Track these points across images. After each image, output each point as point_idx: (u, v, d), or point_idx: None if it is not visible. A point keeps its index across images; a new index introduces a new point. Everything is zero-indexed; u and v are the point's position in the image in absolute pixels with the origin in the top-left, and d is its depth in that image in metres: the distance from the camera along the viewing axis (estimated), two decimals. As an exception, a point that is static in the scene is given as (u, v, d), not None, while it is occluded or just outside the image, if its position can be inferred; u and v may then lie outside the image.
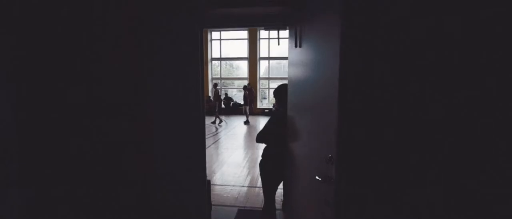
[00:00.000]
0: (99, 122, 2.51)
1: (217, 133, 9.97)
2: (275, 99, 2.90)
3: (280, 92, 2.78)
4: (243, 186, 4.70)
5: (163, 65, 2.58)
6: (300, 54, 2.11)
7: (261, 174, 2.87)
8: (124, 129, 2.54)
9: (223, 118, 11.79)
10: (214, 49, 15.87)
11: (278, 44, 3.96)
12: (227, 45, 16.02)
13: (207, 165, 5.93)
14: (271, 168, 2.79)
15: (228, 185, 4.73)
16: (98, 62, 2.46)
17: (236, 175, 5.27)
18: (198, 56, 2.70)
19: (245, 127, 11.33)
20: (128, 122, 2.53)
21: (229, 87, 16.78)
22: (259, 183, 4.44)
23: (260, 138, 2.75)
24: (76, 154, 2.53)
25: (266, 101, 15.99)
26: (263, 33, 15.13)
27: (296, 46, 2.16)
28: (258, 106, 15.07)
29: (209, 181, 3.23)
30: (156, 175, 2.71)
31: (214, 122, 11.74)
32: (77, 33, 2.42)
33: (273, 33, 14.89)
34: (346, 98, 1.46)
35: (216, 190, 4.49)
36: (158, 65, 2.56)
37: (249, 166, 5.83)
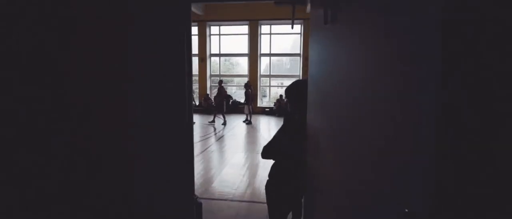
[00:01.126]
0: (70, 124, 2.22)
1: (216, 133, 9.26)
2: (288, 102, 2.16)
3: (293, 90, 2.05)
4: (242, 201, 3.99)
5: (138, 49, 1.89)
6: (334, 33, 1.40)
7: (267, 200, 2.16)
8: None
9: (221, 116, 11.03)
10: (213, 45, 15.14)
11: (292, 27, 3.26)
12: (226, 41, 15.28)
13: (203, 172, 5.27)
14: (281, 193, 2.08)
15: (226, 200, 4.02)
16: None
17: (235, 185, 4.56)
18: (184, 40, 2.00)
19: (245, 127, 10.61)
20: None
21: (228, 84, 16.06)
22: (262, 196, 3.74)
23: (267, 152, 2.03)
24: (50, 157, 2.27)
25: (267, 99, 15.32)
26: (265, 28, 14.41)
27: (325, 22, 1.45)
28: (258, 105, 14.38)
29: (200, 204, 2.52)
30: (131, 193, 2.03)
31: (212, 121, 11.00)
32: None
33: (275, 28, 14.20)
34: (455, 103, 0.74)
35: (211, 206, 3.78)
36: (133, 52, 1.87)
37: (250, 174, 5.11)
